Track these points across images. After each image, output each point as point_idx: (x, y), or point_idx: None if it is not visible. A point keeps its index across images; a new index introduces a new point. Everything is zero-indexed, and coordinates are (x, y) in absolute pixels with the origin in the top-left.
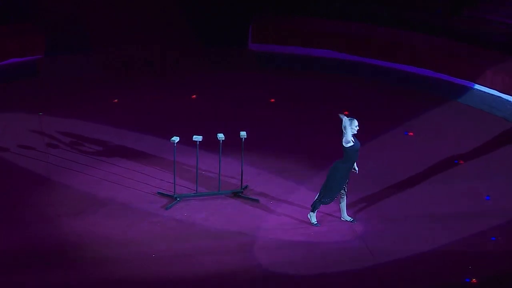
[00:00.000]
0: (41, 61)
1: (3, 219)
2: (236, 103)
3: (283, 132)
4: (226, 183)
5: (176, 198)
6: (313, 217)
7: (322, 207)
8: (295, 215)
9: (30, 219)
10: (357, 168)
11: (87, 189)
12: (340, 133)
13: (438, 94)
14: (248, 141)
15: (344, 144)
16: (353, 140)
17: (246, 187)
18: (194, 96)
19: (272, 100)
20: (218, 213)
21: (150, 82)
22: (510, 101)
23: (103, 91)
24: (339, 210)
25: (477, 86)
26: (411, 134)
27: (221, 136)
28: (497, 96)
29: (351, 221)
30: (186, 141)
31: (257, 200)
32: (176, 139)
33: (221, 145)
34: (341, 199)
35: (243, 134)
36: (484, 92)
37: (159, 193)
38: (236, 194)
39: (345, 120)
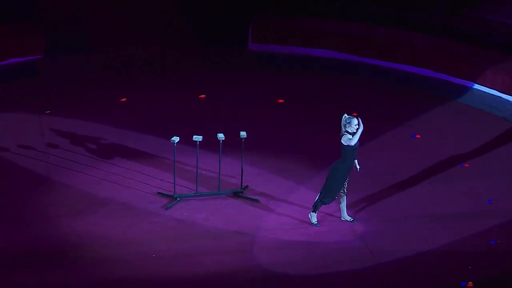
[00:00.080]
0: (41, 61)
1: (3, 219)
2: (236, 103)
3: (283, 132)
4: (226, 183)
5: (176, 198)
6: (313, 217)
7: (323, 207)
8: (295, 215)
9: (30, 219)
10: (358, 166)
11: (87, 189)
12: (341, 133)
13: (438, 94)
14: (248, 141)
15: (343, 142)
16: (351, 138)
17: (246, 187)
18: (203, 95)
19: (281, 100)
20: (218, 213)
21: (150, 82)
22: (510, 101)
23: (103, 91)
24: (339, 210)
25: (477, 86)
26: (418, 136)
27: (221, 136)
28: (497, 96)
29: (351, 221)
30: (186, 141)
31: (257, 200)
32: (176, 139)
33: (221, 145)
34: (341, 199)
35: (243, 134)
36: (484, 92)
37: (159, 193)
38: (236, 194)
39: (345, 118)
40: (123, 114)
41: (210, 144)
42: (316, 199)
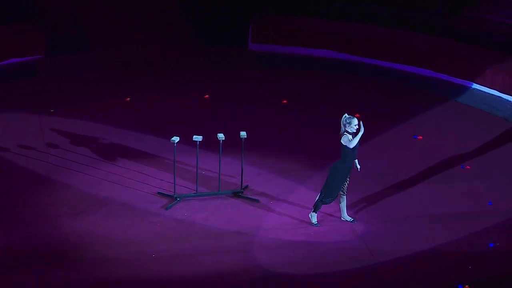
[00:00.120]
0: (41, 61)
1: (3, 219)
2: (236, 103)
3: (283, 132)
4: (226, 183)
5: (176, 198)
6: (314, 217)
7: (323, 207)
8: (295, 215)
9: (30, 219)
10: (358, 166)
11: (87, 189)
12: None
13: (438, 94)
14: (248, 141)
15: (343, 143)
16: (351, 138)
17: (246, 187)
18: (207, 96)
19: (285, 101)
20: (218, 213)
21: (150, 82)
22: (510, 101)
23: (103, 91)
24: (339, 210)
25: (477, 86)
26: (420, 138)
27: (221, 136)
28: (497, 96)
29: (351, 221)
30: (186, 141)
31: (257, 200)
32: (176, 139)
33: (221, 145)
34: (341, 199)
35: (243, 134)
36: (484, 92)
37: (159, 193)
38: (236, 194)
39: (345, 118)
40: (123, 114)
41: (210, 144)
42: (317, 199)
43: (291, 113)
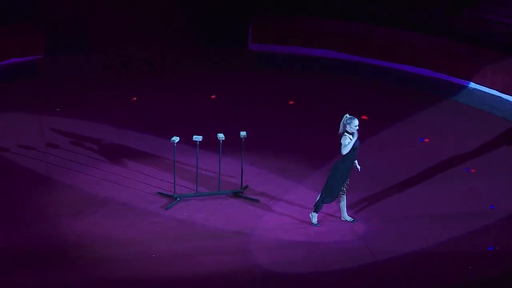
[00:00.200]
0: (41, 61)
1: (3, 219)
2: (236, 103)
3: (283, 132)
4: (226, 183)
5: (176, 198)
6: (314, 217)
7: (323, 207)
8: (295, 215)
9: (30, 219)
10: (359, 167)
11: (87, 189)
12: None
13: (438, 94)
14: (248, 141)
15: (342, 143)
16: (351, 138)
17: (246, 187)
18: (213, 96)
19: (291, 102)
20: (218, 213)
21: (150, 82)
22: (510, 101)
23: (103, 91)
24: (340, 210)
25: (477, 86)
26: (427, 140)
27: (221, 136)
28: (497, 96)
29: (351, 221)
30: (186, 141)
31: (257, 200)
32: (176, 139)
33: (221, 145)
34: (341, 199)
35: (243, 134)
36: (484, 92)
37: (159, 193)
38: (236, 194)
39: (346, 118)
40: (123, 114)
41: (210, 144)
42: (317, 199)
43: (291, 113)
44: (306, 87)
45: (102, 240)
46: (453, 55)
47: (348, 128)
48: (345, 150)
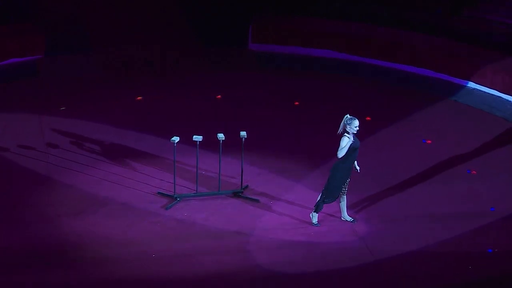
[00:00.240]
0: (41, 61)
1: (3, 219)
2: (236, 103)
3: (283, 132)
4: (226, 183)
5: (176, 198)
6: (315, 217)
7: (324, 207)
8: (295, 215)
9: (30, 219)
10: (358, 168)
11: (87, 189)
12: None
13: (438, 94)
14: (248, 141)
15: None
16: (350, 137)
17: (246, 187)
18: (219, 96)
19: (297, 103)
20: (218, 213)
21: (150, 82)
22: (510, 101)
23: (103, 91)
24: (340, 210)
25: (477, 86)
26: (429, 142)
27: (221, 136)
28: (497, 96)
29: (351, 221)
30: (186, 141)
31: (257, 200)
32: (176, 139)
33: (221, 145)
34: (341, 199)
35: (243, 134)
36: (484, 92)
37: (159, 193)
38: (236, 194)
39: (346, 118)
40: (123, 114)
41: (210, 144)
42: (318, 199)
43: (291, 113)
44: (306, 87)
45: (102, 240)
46: (453, 55)
47: (348, 129)
48: (340, 153)
